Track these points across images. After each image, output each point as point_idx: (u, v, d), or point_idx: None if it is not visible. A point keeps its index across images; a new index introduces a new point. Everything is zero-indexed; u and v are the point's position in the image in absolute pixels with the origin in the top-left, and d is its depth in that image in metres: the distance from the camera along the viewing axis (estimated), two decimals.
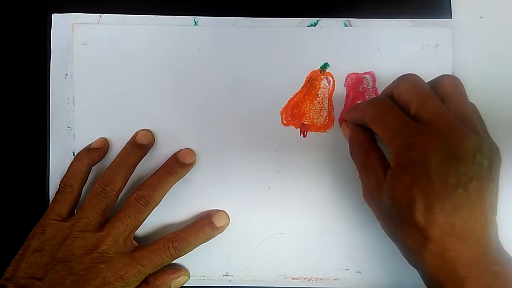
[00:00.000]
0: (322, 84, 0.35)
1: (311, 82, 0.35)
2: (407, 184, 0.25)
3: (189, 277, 0.34)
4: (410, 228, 0.26)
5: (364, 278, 0.34)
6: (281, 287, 0.35)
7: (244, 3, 0.35)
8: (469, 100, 0.29)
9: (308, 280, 0.35)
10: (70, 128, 0.35)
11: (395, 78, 0.29)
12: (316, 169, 0.35)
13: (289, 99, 0.35)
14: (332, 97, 0.35)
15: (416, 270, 0.28)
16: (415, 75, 0.28)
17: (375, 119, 0.28)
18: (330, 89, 0.35)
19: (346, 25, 0.35)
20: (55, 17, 0.35)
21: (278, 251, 0.34)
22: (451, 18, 0.35)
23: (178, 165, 0.33)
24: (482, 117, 0.29)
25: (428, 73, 0.34)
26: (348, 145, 0.32)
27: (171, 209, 0.34)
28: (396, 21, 0.35)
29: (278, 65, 0.35)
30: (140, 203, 0.31)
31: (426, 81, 0.28)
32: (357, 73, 0.35)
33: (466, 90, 0.28)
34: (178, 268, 0.34)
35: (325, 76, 0.35)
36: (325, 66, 0.35)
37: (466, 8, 0.35)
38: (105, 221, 0.32)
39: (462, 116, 0.27)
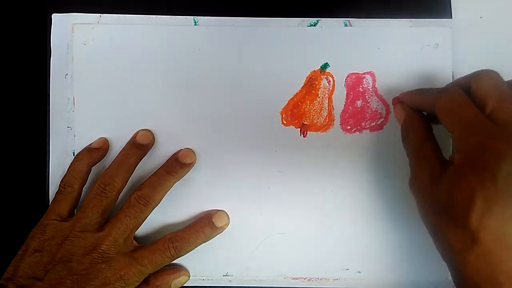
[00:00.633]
0: (322, 84, 0.35)
1: (311, 82, 0.35)
2: (471, 184, 0.25)
3: (189, 277, 0.34)
4: (459, 228, 0.25)
5: (364, 278, 0.34)
6: (281, 287, 0.35)
7: (244, 3, 0.35)
8: None
9: (308, 280, 0.35)
10: (70, 128, 0.35)
11: (474, 71, 0.28)
12: (316, 169, 0.35)
13: (289, 99, 0.35)
14: (332, 97, 0.35)
15: (432, 266, 0.27)
16: (496, 72, 0.27)
17: (448, 111, 0.27)
18: (330, 89, 0.35)
19: (346, 25, 0.35)
20: (55, 17, 0.35)
21: (278, 251, 0.34)
22: (451, 18, 0.35)
23: (178, 165, 0.33)
24: None
25: (428, 73, 0.34)
26: (401, 129, 0.31)
27: (171, 209, 0.34)
28: (396, 21, 0.35)
29: (278, 65, 0.35)
30: (140, 203, 0.31)
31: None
32: (357, 73, 0.35)
33: None
34: (178, 268, 0.34)
35: (325, 76, 0.35)
36: (325, 66, 0.35)
37: (466, 8, 0.35)
38: (105, 221, 0.32)
39: None
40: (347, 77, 0.35)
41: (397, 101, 0.33)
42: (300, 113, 0.35)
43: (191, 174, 0.34)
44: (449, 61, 0.34)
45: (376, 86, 0.35)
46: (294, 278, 0.35)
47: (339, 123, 0.35)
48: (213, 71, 0.35)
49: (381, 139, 0.34)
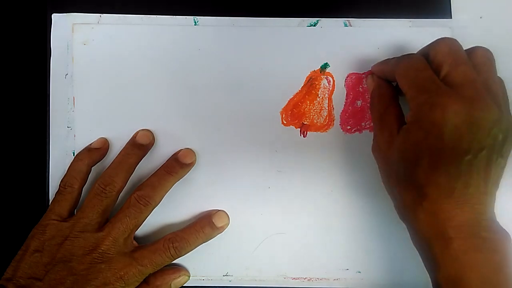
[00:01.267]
0: (322, 84, 0.35)
1: (311, 82, 0.35)
2: (418, 140, 0.26)
3: (189, 277, 0.34)
4: (410, 184, 0.26)
5: (364, 278, 0.34)
6: (281, 287, 0.35)
7: (244, 3, 0.35)
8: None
9: (308, 280, 0.35)
10: (70, 128, 0.35)
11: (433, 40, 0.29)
12: (316, 169, 0.35)
13: (289, 99, 0.35)
14: (332, 97, 0.35)
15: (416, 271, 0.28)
16: (454, 39, 0.28)
17: (405, 73, 0.28)
18: (330, 89, 0.35)
19: (346, 25, 0.35)
20: (55, 17, 0.35)
21: (278, 251, 0.34)
22: (451, 18, 0.35)
23: (178, 165, 0.33)
24: None
25: None
26: (370, 98, 0.33)
27: (171, 209, 0.34)
28: (396, 21, 0.35)
29: (278, 65, 0.35)
30: (140, 203, 0.31)
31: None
32: (357, 73, 0.35)
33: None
34: (178, 268, 0.34)
35: (325, 76, 0.35)
36: (325, 66, 0.35)
37: (466, 8, 0.35)
38: (105, 221, 0.32)
39: (489, 87, 0.27)
40: (347, 77, 0.35)
41: (369, 73, 0.34)
42: (300, 113, 0.35)
43: (191, 174, 0.34)
44: None
45: None
46: (294, 278, 0.35)
47: (339, 123, 0.35)
48: (213, 71, 0.35)
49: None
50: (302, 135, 0.35)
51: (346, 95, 0.35)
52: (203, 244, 0.33)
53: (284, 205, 0.34)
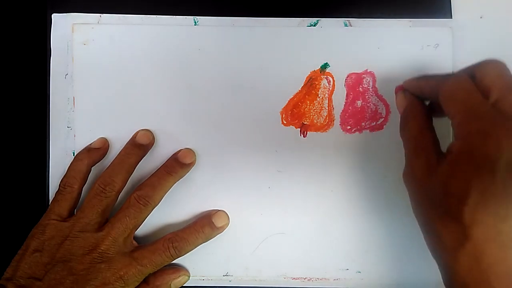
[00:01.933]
0: (322, 84, 0.35)
1: (311, 82, 0.35)
2: (468, 175, 0.23)
3: (189, 277, 0.34)
4: (451, 222, 0.24)
5: (364, 278, 0.34)
6: (281, 287, 0.35)
7: (244, 3, 0.35)
8: None
9: (308, 280, 0.35)
10: (70, 128, 0.35)
11: (479, 61, 0.26)
12: (316, 169, 0.34)
13: (289, 99, 0.35)
14: (332, 97, 0.35)
15: (432, 266, 0.26)
16: (502, 62, 0.26)
17: (452, 96, 0.26)
18: (330, 89, 0.35)
19: (346, 25, 0.35)
20: (55, 17, 0.35)
21: (278, 251, 0.34)
22: (451, 18, 0.35)
23: (178, 165, 0.33)
24: None
25: (428, 73, 0.34)
26: (400, 118, 0.30)
27: (171, 209, 0.34)
28: (396, 21, 0.35)
29: (278, 65, 0.35)
30: (140, 203, 0.31)
31: None
32: (357, 73, 0.35)
33: None
34: (178, 268, 0.34)
35: (325, 76, 0.35)
36: (325, 66, 0.35)
37: (466, 8, 0.35)
38: (105, 221, 0.32)
39: None
40: (347, 77, 0.35)
41: (400, 89, 0.32)
42: (300, 113, 0.35)
43: (191, 174, 0.34)
44: (449, 61, 0.34)
45: (376, 86, 0.35)
46: (294, 278, 0.35)
47: (339, 123, 0.35)
48: (213, 71, 0.35)
49: (381, 139, 0.34)
50: (302, 135, 0.35)
51: (346, 95, 0.35)
52: (203, 244, 0.33)
53: (284, 205, 0.34)
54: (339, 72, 0.35)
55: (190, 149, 0.34)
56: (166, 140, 0.35)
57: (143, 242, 0.33)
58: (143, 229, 0.34)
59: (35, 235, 0.31)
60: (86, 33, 0.35)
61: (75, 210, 0.33)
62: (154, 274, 0.32)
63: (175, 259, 0.32)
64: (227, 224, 0.34)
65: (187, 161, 0.34)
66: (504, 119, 0.24)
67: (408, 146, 0.28)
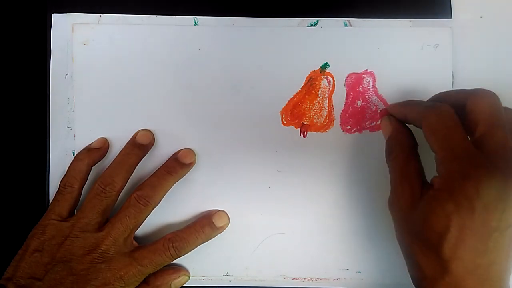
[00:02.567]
0: (322, 84, 0.35)
1: (311, 82, 0.35)
2: (448, 212, 0.24)
3: (189, 277, 0.34)
4: (432, 254, 0.25)
5: (364, 278, 0.34)
6: (281, 287, 0.35)
7: (244, 3, 0.35)
8: None
9: (308, 280, 0.35)
10: (70, 128, 0.35)
11: (474, 89, 0.27)
12: (316, 169, 0.34)
13: (289, 99, 0.35)
14: (332, 97, 0.35)
15: None
16: (495, 95, 0.26)
17: (434, 129, 0.26)
18: (330, 89, 0.35)
19: (346, 25, 0.35)
20: (55, 17, 0.35)
21: (278, 251, 0.34)
22: (451, 18, 0.35)
23: (178, 165, 0.33)
24: None
25: (428, 73, 0.34)
26: (386, 144, 0.30)
27: (171, 209, 0.34)
28: (396, 21, 0.35)
29: (278, 65, 0.34)
30: (140, 203, 0.31)
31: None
32: (357, 73, 0.35)
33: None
34: (178, 268, 0.34)
35: (325, 76, 0.35)
36: (325, 66, 0.35)
37: (466, 8, 0.35)
38: (105, 221, 0.32)
39: None
40: (347, 77, 0.35)
41: (384, 113, 0.32)
42: (300, 113, 0.35)
43: (191, 174, 0.34)
44: (449, 61, 0.34)
45: (376, 86, 0.35)
46: (294, 278, 0.35)
47: (339, 123, 0.35)
48: (213, 71, 0.35)
49: (381, 139, 0.34)
50: (302, 135, 0.35)
51: (346, 95, 0.35)
52: (203, 244, 0.33)
53: (284, 205, 0.34)
54: (339, 72, 0.35)
55: (190, 149, 0.34)
56: (166, 140, 0.35)
57: (143, 242, 0.33)
58: (143, 229, 0.34)
59: (35, 235, 0.31)
60: (86, 33, 0.35)
61: (75, 210, 0.33)
62: (154, 274, 0.32)
63: (175, 259, 0.32)
64: (227, 224, 0.34)
65: (187, 161, 0.34)
66: (485, 159, 0.24)
67: (394, 175, 0.29)
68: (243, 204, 0.34)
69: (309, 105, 0.35)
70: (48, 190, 0.35)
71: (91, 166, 0.33)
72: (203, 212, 0.34)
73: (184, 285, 0.34)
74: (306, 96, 0.35)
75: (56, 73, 0.35)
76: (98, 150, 0.34)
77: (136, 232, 0.33)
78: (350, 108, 0.35)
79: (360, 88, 0.35)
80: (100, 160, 0.34)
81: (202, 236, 0.32)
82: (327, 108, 0.35)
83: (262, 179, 0.35)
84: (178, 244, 0.32)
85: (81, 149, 0.34)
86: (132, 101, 0.35)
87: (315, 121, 0.35)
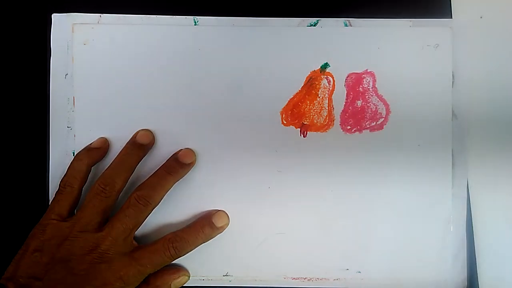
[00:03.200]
0: (322, 84, 0.35)
1: (311, 82, 0.35)
2: None
3: (189, 277, 0.34)
4: None
5: (364, 278, 0.34)
6: (281, 287, 0.35)
7: (244, 3, 0.35)
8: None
9: (308, 280, 0.35)
10: (70, 128, 0.35)
11: None
12: (316, 169, 0.35)
13: (289, 99, 0.35)
14: (332, 97, 0.35)
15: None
16: None
17: None
18: (330, 89, 0.35)
19: (346, 25, 0.35)
20: (55, 17, 0.35)
21: (278, 251, 0.34)
22: (451, 18, 0.35)
23: (178, 165, 0.33)
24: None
25: (428, 73, 0.34)
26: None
27: (171, 209, 0.34)
28: (396, 21, 0.35)
29: (278, 65, 0.35)
30: (140, 203, 0.31)
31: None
32: (357, 73, 0.35)
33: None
34: (178, 268, 0.34)
35: (325, 76, 0.35)
36: (325, 66, 0.35)
37: (466, 8, 0.35)
38: (105, 221, 0.32)
39: None
40: (347, 77, 0.35)
41: None
42: (300, 113, 0.35)
43: (191, 174, 0.34)
44: (449, 61, 0.34)
45: (376, 86, 0.35)
46: (294, 278, 0.35)
47: (339, 123, 0.35)
48: (213, 71, 0.35)
49: (381, 139, 0.34)
50: (302, 135, 0.35)
51: (346, 95, 0.35)
52: (203, 244, 0.33)
53: (284, 205, 0.34)
54: (339, 72, 0.35)
55: (190, 149, 0.34)
56: (166, 140, 0.35)
57: (143, 242, 0.33)
58: (143, 229, 0.34)
59: (35, 235, 0.31)
60: (86, 33, 0.35)
61: (75, 210, 0.33)
62: (154, 274, 0.32)
63: (175, 259, 0.32)
64: (227, 224, 0.34)
65: (187, 161, 0.34)
66: None
67: None
68: (243, 204, 0.34)
69: (309, 105, 0.35)
70: (48, 190, 0.35)
71: (91, 166, 0.33)
72: (203, 212, 0.35)
73: (184, 285, 0.34)
74: (306, 96, 0.35)
75: (56, 73, 0.35)
76: (98, 150, 0.34)
77: (136, 232, 0.33)
78: (350, 108, 0.35)
79: (360, 88, 0.35)
80: (100, 160, 0.34)
81: (202, 236, 0.32)
82: (327, 108, 0.35)
83: (262, 179, 0.35)
84: (178, 244, 0.32)
85: (81, 149, 0.34)
86: (132, 101, 0.35)
87: (315, 121, 0.35)
